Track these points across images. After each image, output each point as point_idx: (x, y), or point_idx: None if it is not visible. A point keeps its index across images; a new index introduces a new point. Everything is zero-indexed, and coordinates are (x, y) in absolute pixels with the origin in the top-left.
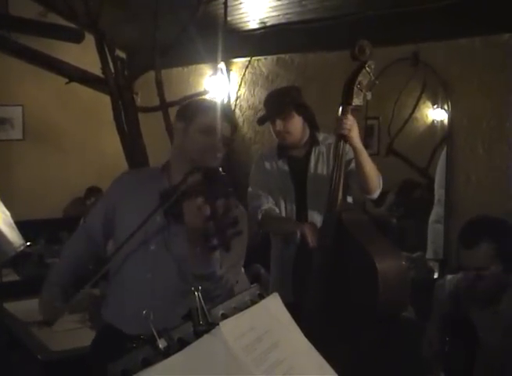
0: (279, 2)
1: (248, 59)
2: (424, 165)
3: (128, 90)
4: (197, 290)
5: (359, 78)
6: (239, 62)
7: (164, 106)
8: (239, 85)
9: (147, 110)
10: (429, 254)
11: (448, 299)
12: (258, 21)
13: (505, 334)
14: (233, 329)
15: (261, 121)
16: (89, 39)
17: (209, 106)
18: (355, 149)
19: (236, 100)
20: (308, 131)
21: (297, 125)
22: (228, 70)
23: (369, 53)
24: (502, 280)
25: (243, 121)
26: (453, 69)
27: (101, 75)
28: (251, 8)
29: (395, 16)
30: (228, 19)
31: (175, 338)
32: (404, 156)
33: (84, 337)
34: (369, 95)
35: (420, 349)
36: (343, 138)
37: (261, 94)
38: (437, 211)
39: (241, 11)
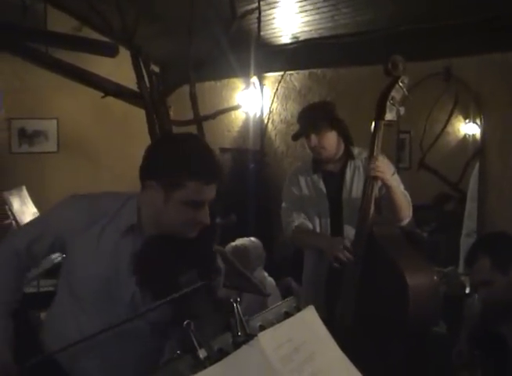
0: (312, 17)
1: (281, 73)
2: (456, 180)
3: (163, 104)
4: (236, 301)
5: (392, 93)
6: (272, 76)
7: (198, 119)
8: (272, 100)
9: (181, 123)
10: (461, 269)
11: (477, 314)
12: (291, 36)
13: None
14: (271, 340)
15: (296, 137)
16: (123, 53)
17: (197, 171)
18: (387, 187)
19: (269, 114)
20: (342, 146)
21: (331, 140)
22: (262, 85)
23: (402, 68)
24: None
25: (276, 135)
26: (485, 83)
27: (136, 89)
28: (284, 22)
29: (427, 30)
30: (261, 33)
31: (215, 348)
32: (436, 170)
33: None
34: (402, 110)
35: (448, 363)
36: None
37: (293, 108)
38: (467, 225)
39: (274, 25)
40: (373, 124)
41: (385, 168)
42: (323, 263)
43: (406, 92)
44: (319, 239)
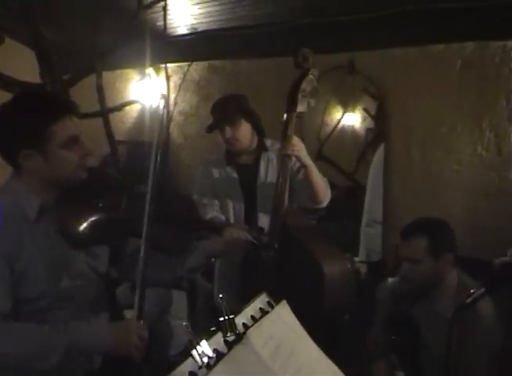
0: (211, 8)
1: (179, 64)
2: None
3: (67, 96)
4: (222, 300)
5: (303, 86)
6: (169, 67)
7: (104, 111)
8: (169, 91)
9: (86, 116)
10: (361, 257)
11: (389, 300)
12: (189, 27)
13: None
14: (258, 338)
15: (210, 129)
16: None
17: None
18: (303, 166)
19: (168, 106)
20: (256, 138)
21: (246, 132)
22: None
23: (312, 61)
24: (436, 274)
25: (173, 127)
26: (389, 78)
27: (33, 82)
28: (182, 13)
29: (328, 25)
30: (158, 24)
31: (211, 349)
32: (333, 161)
33: None
34: (312, 102)
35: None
36: (288, 157)
37: (192, 100)
38: (368, 215)
39: (172, 16)
40: (285, 116)
41: (300, 146)
42: (236, 256)
43: (316, 84)
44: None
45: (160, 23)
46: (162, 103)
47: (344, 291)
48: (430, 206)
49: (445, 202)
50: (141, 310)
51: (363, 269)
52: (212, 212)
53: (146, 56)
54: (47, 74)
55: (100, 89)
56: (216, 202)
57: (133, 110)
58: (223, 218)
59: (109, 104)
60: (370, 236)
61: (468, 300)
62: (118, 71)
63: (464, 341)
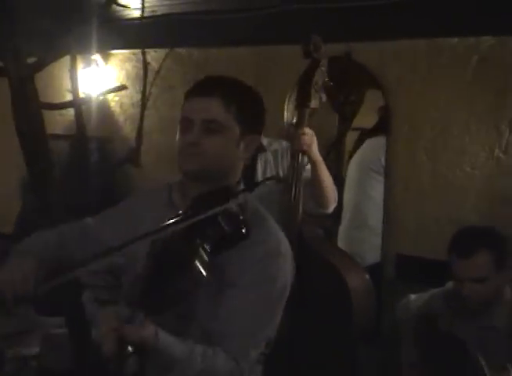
0: None
1: (133, 51)
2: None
3: (31, 82)
4: None
5: (315, 78)
6: (122, 54)
7: (76, 102)
8: (120, 80)
9: (54, 107)
10: None
11: (416, 318)
12: (146, 9)
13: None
14: None
15: None
16: None
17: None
18: (313, 162)
19: (116, 97)
20: None
21: None
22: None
23: (323, 51)
24: (499, 289)
25: (126, 120)
26: (391, 71)
27: None
28: None
29: (323, 11)
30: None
31: None
32: None
33: None
34: (324, 97)
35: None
36: (302, 152)
37: (148, 90)
38: (354, 217)
39: None
40: (297, 113)
41: (314, 140)
42: None
43: (327, 77)
44: None
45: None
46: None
47: (368, 305)
48: (439, 211)
49: (456, 207)
50: None
51: None
52: None
53: (92, 42)
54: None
55: (74, 77)
56: None
57: None
58: None
59: (48, 94)
60: (356, 240)
61: None
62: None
63: None
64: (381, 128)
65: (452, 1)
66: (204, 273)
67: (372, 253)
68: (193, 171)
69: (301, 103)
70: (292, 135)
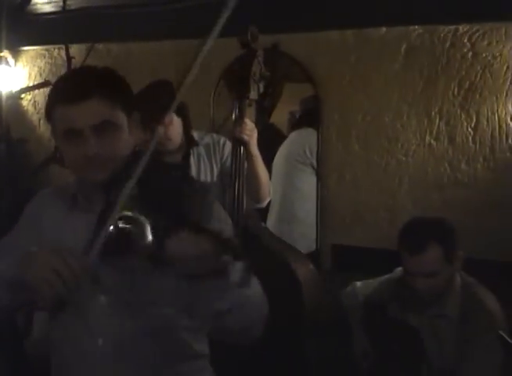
0: None
1: (46, 47)
2: None
3: None
4: None
5: (253, 69)
6: (34, 50)
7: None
8: (33, 78)
9: None
10: None
11: (365, 306)
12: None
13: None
14: None
15: None
16: None
17: (58, 91)
18: (252, 156)
19: (29, 95)
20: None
21: (177, 128)
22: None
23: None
24: (451, 278)
25: (40, 120)
26: (321, 62)
27: None
28: None
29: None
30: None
31: None
32: None
33: None
34: (261, 88)
35: None
36: (241, 143)
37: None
38: (279, 210)
39: None
40: (236, 103)
41: (253, 130)
42: None
43: (263, 67)
44: None
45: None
46: None
47: (318, 296)
48: (374, 199)
49: (390, 195)
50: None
51: None
52: None
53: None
54: None
55: None
56: None
57: None
58: None
59: None
60: (286, 232)
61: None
62: None
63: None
64: (305, 120)
65: None
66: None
67: (303, 244)
68: (104, 178)
69: (240, 95)
70: (233, 126)
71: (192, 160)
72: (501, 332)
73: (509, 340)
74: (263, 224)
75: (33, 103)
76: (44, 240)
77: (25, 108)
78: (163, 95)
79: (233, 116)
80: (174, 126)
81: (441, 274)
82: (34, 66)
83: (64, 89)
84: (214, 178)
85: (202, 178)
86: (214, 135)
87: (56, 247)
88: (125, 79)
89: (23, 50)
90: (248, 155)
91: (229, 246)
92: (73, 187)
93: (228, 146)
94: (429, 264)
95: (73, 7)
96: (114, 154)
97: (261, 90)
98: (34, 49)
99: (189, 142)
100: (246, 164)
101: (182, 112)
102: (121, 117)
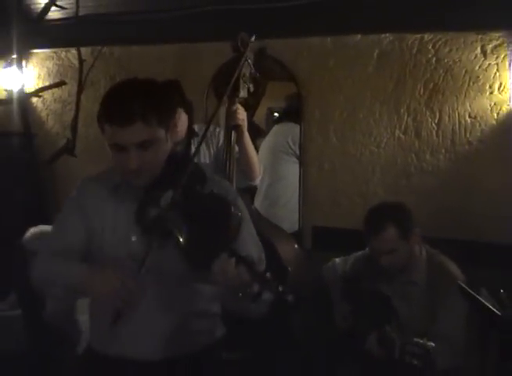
0: None
1: (54, 50)
2: None
3: None
4: None
5: (243, 71)
6: (42, 53)
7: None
8: (42, 78)
9: None
10: None
11: (343, 279)
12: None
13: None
14: None
15: None
16: None
17: (107, 114)
18: (243, 136)
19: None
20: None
21: (184, 124)
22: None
23: (250, 46)
24: (411, 253)
25: (48, 115)
26: (304, 64)
27: None
28: None
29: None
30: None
31: None
32: None
33: None
34: (251, 88)
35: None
36: (235, 128)
37: (70, 86)
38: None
39: None
40: (228, 101)
41: (244, 115)
42: None
43: (253, 70)
44: None
45: (29, 2)
46: None
47: (299, 272)
48: (349, 186)
49: (364, 182)
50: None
51: None
52: None
53: (13, 41)
54: None
55: None
56: None
57: None
58: None
59: None
60: (271, 216)
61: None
62: None
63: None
64: (288, 114)
65: (353, 4)
66: None
67: (286, 226)
68: (145, 182)
69: (231, 94)
70: (227, 111)
71: (193, 148)
72: (460, 283)
73: (469, 290)
74: (253, 206)
75: (42, 100)
76: (90, 226)
77: (34, 105)
78: (173, 94)
79: (224, 110)
80: (183, 121)
81: (400, 251)
82: (43, 67)
83: (112, 113)
84: (212, 160)
85: (201, 160)
86: (211, 126)
87: (115, 265)
88: (162, 89)
89: (34, 52)
90: (242, 137)
91: (264, 280)
92: (118, 178)
93: (223, 134)
94: (387, 242)
95: (81, 14)
96: (154, 165)
97: (251, 90)
98: (43, 52)
99: (191, 134)
100: (236, 148)
101: (187, 108)
102: (160, 132)
